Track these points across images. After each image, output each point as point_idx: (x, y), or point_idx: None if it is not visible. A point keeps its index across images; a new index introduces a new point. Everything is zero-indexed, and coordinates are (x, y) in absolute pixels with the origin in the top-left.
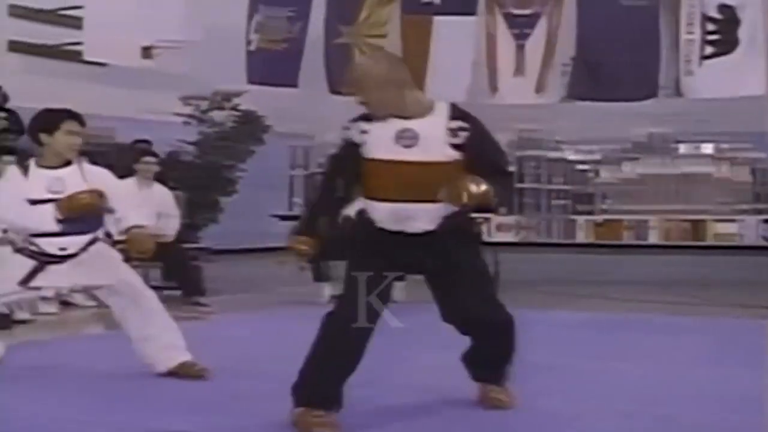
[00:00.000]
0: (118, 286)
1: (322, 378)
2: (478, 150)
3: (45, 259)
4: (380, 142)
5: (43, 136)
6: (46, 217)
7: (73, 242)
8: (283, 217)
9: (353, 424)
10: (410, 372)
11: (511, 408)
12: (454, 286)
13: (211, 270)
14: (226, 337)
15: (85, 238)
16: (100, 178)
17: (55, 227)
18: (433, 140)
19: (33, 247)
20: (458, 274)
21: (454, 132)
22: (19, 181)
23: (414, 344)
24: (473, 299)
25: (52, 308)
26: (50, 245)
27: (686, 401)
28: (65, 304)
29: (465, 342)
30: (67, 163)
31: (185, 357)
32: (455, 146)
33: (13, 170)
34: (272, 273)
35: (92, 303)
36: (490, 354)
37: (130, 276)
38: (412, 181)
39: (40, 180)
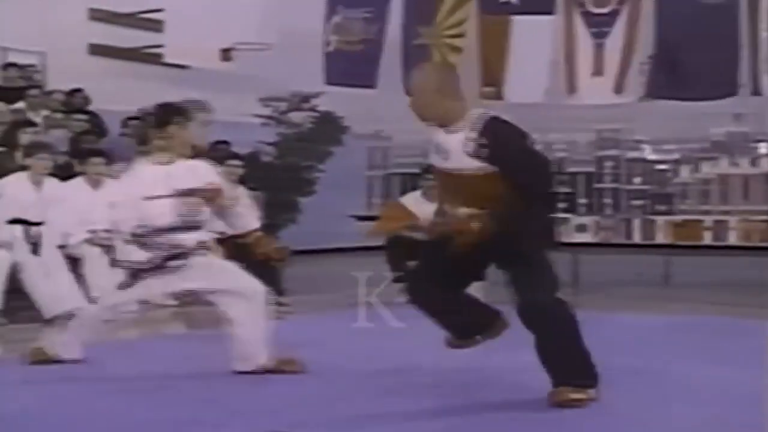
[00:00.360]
0: (223, 288)
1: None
2: (497, 165)
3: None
4: (432, 150)
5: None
6: (164, 212)
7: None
8: (362, 218)
9: (430, 415)
10: (492, 371)
11: (580, 407)
12: (512, 278)
13: (289, 270)
14: (305, 337)
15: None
16: (209, 174)
17: (173, 222)
18: (458, 153)
19: (124, 261)
20: (512, 267)
21: (468, 143)
22: (134, 180)
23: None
24: (524, 290)
25: (133, 307)
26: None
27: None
28: (145, 302)
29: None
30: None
31: (276, 355)
32: (480, 158)
33: (129, 169)
34: (350, 273)
35: (173, 302)
36: (549, 350)
37: (232, 276)
38: (455, 188)
39: (155, 176)
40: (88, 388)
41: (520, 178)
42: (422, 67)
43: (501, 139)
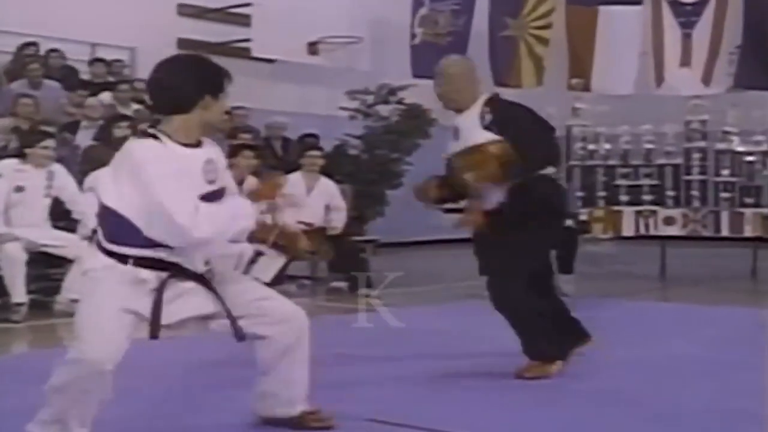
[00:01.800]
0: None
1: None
2: (501, 129)
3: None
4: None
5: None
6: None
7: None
8: (448, 210)
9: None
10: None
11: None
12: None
13: (377, 263)
14: (397, 329)
15: None
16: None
17: None
18: (471, 129)
19: None
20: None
21: (481, 116)
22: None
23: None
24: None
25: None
26: None
27: None
28: None
29: (643, 340)
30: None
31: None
32: (487, 128)
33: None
34: (440, 266)
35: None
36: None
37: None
38: (467, 163)
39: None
40: None
41: (527, 144)
42: (451, 57)
43: (510, 111)
